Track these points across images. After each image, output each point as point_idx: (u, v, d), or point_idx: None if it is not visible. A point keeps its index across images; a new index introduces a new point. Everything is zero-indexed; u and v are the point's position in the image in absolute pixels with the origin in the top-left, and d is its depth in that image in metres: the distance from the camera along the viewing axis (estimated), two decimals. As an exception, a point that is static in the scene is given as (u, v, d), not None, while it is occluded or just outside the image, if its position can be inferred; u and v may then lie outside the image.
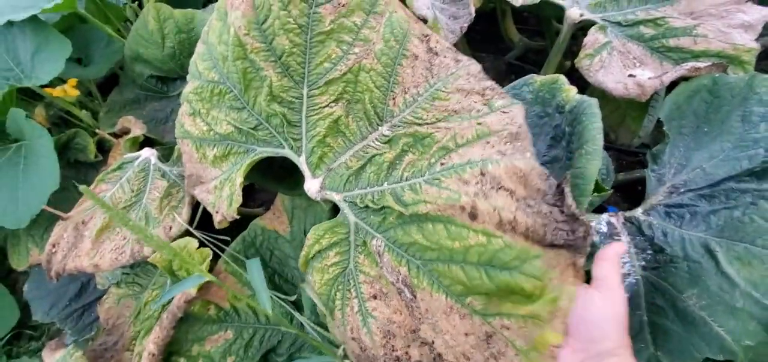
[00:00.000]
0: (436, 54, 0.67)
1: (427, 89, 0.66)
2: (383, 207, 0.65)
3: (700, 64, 0.82)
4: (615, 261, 0.57)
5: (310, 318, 0.78)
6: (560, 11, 0.98)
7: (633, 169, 1.22)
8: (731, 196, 0.71)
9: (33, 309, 1.15)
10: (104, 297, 1.02)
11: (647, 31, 0.90)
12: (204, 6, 1.44)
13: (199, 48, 0.81)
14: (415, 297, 0.61)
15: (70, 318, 1.14)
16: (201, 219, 0.94)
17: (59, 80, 1.15)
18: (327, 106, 0.71)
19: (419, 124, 0.66)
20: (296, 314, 0.79)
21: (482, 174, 0.59)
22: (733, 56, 0.85)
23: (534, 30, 1.56)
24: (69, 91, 1.16)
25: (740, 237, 0.66)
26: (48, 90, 1.15)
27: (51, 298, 1.15)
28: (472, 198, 0.58)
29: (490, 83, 0.65)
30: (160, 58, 1.19)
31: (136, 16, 1.21)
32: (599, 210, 0.83)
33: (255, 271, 0.68)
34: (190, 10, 1.15)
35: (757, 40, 0.86)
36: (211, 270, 0.88)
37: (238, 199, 0.73)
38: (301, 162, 0.73)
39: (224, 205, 0.74)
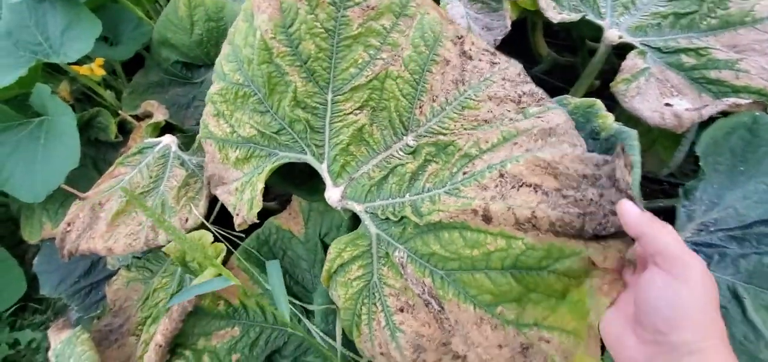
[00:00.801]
0: (470, 58, 0.64)
1: (456, 97, 0.64)
2: (402, 218, 0.63)
3: (741, 101, 0.79)
4: (671, 231, 0.45)
5: (319, 326, 0.77)
6: (598, 31, 0.95)
7: (656, 198, 1.18)
8: (763, 241, 0.69)
9: (41, 283, 1.16)
10: (113, 278, 1.02)
11: (688, 60, 0.87)
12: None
13: (225, 49, 0.80)
14: (442, 308, 0.59)
15: (77, 295, 1.15)
16: (215, 212, 0.94)
17: (86, 58, 1.15)
18: (351, 113, 0.69)
19: (444, 134, 0.63)
20: (305, 320, 0.78)
21: (501, 175, 0.57)
22: (775, 96, 0.82)
23: (563, 45, 1.52)
24: (96, 70, 1.16)
25: (769, 285, 0.64)
26: (75, 67, 1.15)
27: (60, 273, 1.16)
28: (486, 202, 0.56)
29: (529, 87, 0.62)
30: (187, 44, 1.19)
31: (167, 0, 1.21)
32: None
33: (275, 275, 0.66)
34: (220, -1, 1.14)
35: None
36: (223, 264, 0.87)
37: (259, 204, 0.71)
38: (323, 169, 0.72)
39: (245, 208, 0.73)
